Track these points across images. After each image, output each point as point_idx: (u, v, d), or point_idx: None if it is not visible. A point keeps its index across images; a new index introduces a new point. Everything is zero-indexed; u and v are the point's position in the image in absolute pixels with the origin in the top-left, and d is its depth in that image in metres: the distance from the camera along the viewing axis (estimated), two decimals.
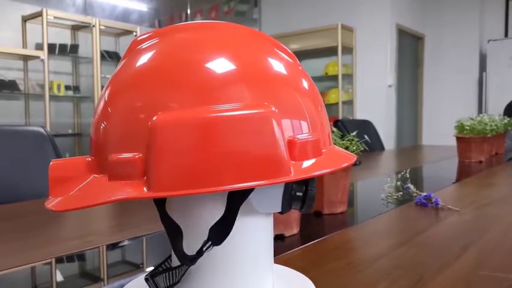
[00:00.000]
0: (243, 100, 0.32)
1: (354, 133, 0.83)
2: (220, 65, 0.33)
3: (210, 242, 0.35)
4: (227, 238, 0.35)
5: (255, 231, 0.38)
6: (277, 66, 0.36)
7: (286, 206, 0.37)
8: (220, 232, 0.35)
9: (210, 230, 0.35)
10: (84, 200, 0.31)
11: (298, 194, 0.37)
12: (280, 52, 0.38)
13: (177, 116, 0.31)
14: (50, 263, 0.58)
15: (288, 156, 0.32)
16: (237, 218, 0.35)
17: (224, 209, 0.35)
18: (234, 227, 0.35)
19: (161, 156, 0.30)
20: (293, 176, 0.31)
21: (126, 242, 0.65)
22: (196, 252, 0.35)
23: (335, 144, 0.79)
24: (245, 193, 0.35)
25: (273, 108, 0.32)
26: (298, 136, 0.33)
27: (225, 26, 0.37)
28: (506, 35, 5.16)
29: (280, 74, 0.36)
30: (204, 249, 0.34)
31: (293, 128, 0.33)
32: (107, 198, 0.30)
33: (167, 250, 0.40)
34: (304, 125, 0.34)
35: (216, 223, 0.35)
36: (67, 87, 3.57)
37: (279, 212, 0.38)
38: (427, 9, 5.25)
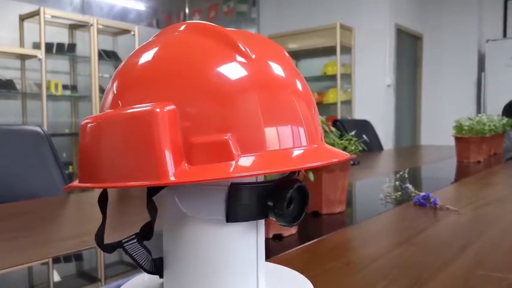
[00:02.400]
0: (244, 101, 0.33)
1: (353, 133, 0.83)
2: (229, 69, 0.33)
3: (134, 236, 0.37)
4: (191, 242, 0.36)
5: (222, 236, 0.36)
6: (279, 70, 0.35)
7: (242, 214, 0.34)
8: (145, 230, 0.37)
9: (142, 227, 0.37)
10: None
11: (269, 203, 0.34)
12: (281, 55, 0.37)
13: (95, 116, 0.34)
14: (47, 263, 0.58)
15: (174, 159, 0.30)
16: (195, 222, 0.35)
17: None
18: (198, 231, 0.36)
19: (78, 152, 0.34)
20: (169, 181, 0.29)
21: None
22: (117, 243, 0.37)
23: (333, 143, 0.79)
24: (152, 193, 0.35)
25: (166, 109, 0.30)
26: (199, 138, 0.30)
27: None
28: (504, 35, 5.18)
29: (282, 78, 0.35)
30: (123, 241, 0.36)
31: (278, 135, 0.32)
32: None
33: None
34: (301, 130, 0.34)
35: (148, 221, 0.37)
36: (64, 87, 3.57)
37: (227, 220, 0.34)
38: (426, 9, 5.26)
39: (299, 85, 0.36)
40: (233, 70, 0.32)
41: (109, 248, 0.38)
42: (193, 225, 0.36)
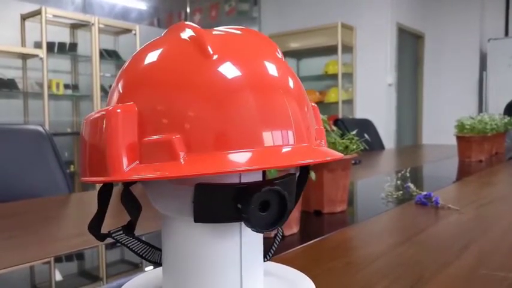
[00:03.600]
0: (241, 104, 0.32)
1: (354, 132, 0.83)
2: (229, 70, 0.32)
3: (120, 228, 0.38)
4: (171, 240, 0.37)
5: (195, 236, 0.35)
6: (273, 70, 0.34)
7: (211, 215, 0.33)
8: (128, 223, 0.38)
9: (129, 221, 0.39)
10: None
11: (238, 206, 0.32)
12: (273, 53, 0.36)
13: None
14: (48, 262, 0.58)
15: (128, 157, 0.31)
16: (172, 221, 0.36)
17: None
18: (174, 229, 0.36)
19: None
20: (114, 177, 0.31)
21: None
22: (107, 232, 0.38)
23: (334, 143, 0.79)
24: (125, 187, 0.36)
25: (124, 110, 0.32)
26: (151, 138, 0.31)
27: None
28: (506, 34, 5.16)
29: (275, 78, 0.34)
30: (111, 231, 0.38)
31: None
32: None
33: None
34: (290, 134, 0.33)
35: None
36: (66, 86, 3.57)
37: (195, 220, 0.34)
38: (428, 8, 5.25)
39: (281, 84, 0.34)
40: (191, 72, 0.32)
41: (100, 237, 0.39)
42: (171, 223, 0.37)
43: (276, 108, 0.33)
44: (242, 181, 0.35)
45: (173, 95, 0.32)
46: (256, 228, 0.32)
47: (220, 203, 0.33)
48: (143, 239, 0.41)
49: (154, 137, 0.31)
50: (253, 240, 0.37)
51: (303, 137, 0.34)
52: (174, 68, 0.33)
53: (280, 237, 0.45)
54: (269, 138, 0.32)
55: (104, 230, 0.39)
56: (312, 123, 0.37)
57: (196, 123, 0.31)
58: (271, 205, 0.33)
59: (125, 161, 0.31)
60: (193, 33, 0.34)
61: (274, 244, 0.44)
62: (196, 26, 0.36)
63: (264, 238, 0.40)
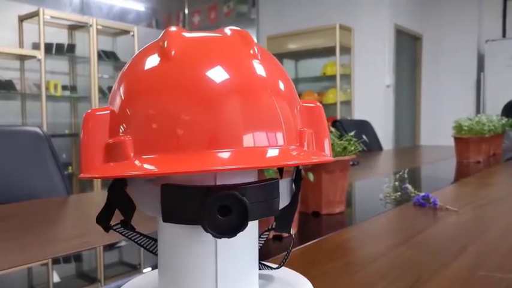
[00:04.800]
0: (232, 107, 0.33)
1: (352, 133, 0.83)
2: (218, 74, 0.33)
3: (119, 222, 0.39)
4: (159, 239, 0.38)
5: (169, 235, 0.36)
6: (260, 71, 0.34)
7: (177, 215, 0.33)
8: (124, 219, 0.39)
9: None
10: None
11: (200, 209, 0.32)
12: (245, 53, 0.35)
13: None
14: (46, 264, 0.58)
15: (98, 156, 0.33)
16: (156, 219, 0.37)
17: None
18: (159, 227, 0.37)
19: None
20: (84, 175, 0.33)
21: (123, 243, 0.65)
22: (109, 225, 0.40)
23: (332, 144, 0.79)
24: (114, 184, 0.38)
25: (99, 113, 0.34)
26: (112, 139, 0.33)
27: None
28: (504, 35, 5.18)
29: (263, 79, 0.34)
30: (112, 224, 0.39)
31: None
32: None
33: None
34: (279, 135, 0.33)
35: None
36: (64, 87, 3.57)
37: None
38: (426, 9, 5.27)
39: (262, 83, 0.34)
40: (151, 75, 0.34)
41: (105, 228, 0.40)
42: (157, 223, 0.37)
43: (261, 109, 0.33)
44: (219, 183, 0.34)
45: (131, 99, 0.34)
46: (212, 233, 0.31)
47: (184, 204, 0.32)
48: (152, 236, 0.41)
49: (115, 139, 0.33)
50: (236, 244, 0.36)
51: (291, 138, 0.34)
52: (138, 73, 0.35)
53: (293, 243, 0.45)
54: (250, 139, 0.32)
55: (99, 230, 0.40)
56: (299, 124, 0.36)
57: (144, 125, 0.32)
58: (233, 210, 0.31)
59: (95, 160, 0.33)
60: (163, 37, 0.35)
61: (289, 251, 0.44)
62: (174, 29, 0.36)
63: (266, 240, 0.40)
